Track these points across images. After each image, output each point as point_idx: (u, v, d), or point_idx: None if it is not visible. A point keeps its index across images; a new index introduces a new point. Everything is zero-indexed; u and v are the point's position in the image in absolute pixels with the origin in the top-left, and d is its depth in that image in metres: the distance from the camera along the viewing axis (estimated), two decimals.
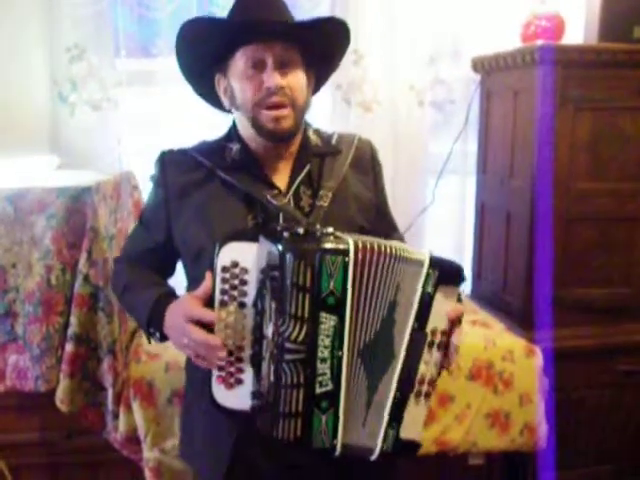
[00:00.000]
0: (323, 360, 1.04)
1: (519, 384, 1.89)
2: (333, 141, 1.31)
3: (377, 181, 1.35)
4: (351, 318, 1.06)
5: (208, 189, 1.23)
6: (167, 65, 2.26)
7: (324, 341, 1.04)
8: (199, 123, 2.30)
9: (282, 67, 1.17)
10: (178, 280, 1.36)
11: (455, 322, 1.16)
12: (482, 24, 2.34)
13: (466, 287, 2.37)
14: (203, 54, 1.21)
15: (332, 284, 1.03)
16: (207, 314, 1.08)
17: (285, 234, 1.04)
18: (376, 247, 1.07)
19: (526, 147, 1.99)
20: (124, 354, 1.77)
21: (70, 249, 1.67)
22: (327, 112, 2.35)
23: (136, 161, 2.27)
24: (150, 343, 1.29)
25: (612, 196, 2.00)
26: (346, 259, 1.04)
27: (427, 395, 1.14)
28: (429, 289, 1.10)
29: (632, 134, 1.98)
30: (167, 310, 1.16)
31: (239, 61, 1.18)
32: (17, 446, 1.76)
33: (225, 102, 1.25)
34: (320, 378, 1.04)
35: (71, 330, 1.66)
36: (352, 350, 1.07)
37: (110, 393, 1.70)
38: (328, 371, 1.05)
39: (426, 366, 1.12)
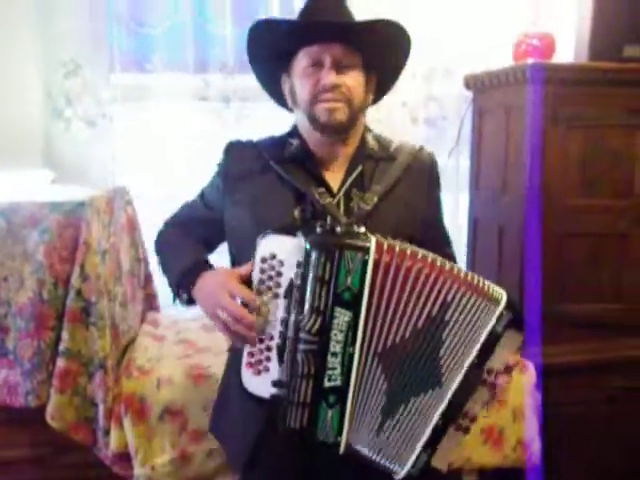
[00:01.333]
0: (334, 354, 1.07)
1: (512, 400, 1.88)
2: (391, 148, 1.34)
3: (431, 193, 1.36)
4: (367, 317, 1.07)
5: (263, 179, 1.28)
6: (162, 81, 2.28)
7: (337, 336, 1.06)
8: (194, 138, 2.33)
9: (340, 67, 1.22)
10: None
11: (510, 369, 1.15)
12: (474, 43, 2.37)
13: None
14: (268, 53, 1.28)
15: (349, 280, 1.06)
16: (245, 291, 1.12)
17: (317, 230, 1.08)
18: (409, 252, 1.08)
19: (518, 164, 2.01)
20: (115, 370, 1.76)
21: (62, 263, 1.66)
22: None
23: (130, 176, 2.28)
24: (174, 303, 1.31)
25: (603, 212, 2.01)
26: (366, 256, 1.06)
27: (465, 430, 1.12)
28: (498, 329, 1.09)
29: (623, 151, 2.00)
30: (202, 276, 1.21)
31: (301, 60, 1.24)
32: (7, 462, 1.74)
33: (288, 100, 1.32)
34: (330, 372, 1.07)
35: (62, 345, 1.65)
36: (367, 350, 1.08)
37: (101, 409, 1.69)
38: (338, 366, 1.07)
39: (474, 403, 1.12)
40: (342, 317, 1.06)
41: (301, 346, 1.07)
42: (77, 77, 2.19)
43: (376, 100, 1.37)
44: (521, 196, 1.98)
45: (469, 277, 1.10)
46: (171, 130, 2.31)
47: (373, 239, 1.08)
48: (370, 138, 1.33)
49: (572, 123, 1.94)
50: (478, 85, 2.25)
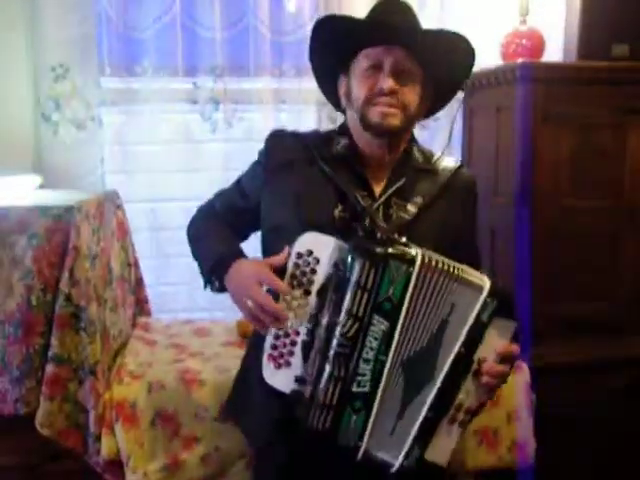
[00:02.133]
0: (366, 361, 1.08)
1: (507, 400, 1.87)
2: (433, 161, 1.34)
3: (467, 210, 1.37)
4: (402, 327, 1.08)
5: (306, 172, 1.28)
6: (151, 84, 2.28)
7: (371, 343, 1.07)
8: (184, 142, 2.32)
9: (398, 75, 1.22)
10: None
11: (506, 359, 1.14)
12: None
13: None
14: (331, 51, 1.28)
15: (391, 290, 1.07)
16: (278, 282, 1.12)
17: (360, 234, 1.11)
18: (441, 265, 1.10)
19: (509, 164, 2.01)
20: (106, 375, 1.74)
21: (51, 269, 1.65)
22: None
23: (120, 180, 2.26)
24: (205, 289, 1.32)
25: (595, 212, 2.02)
26: (410, 269, 1.07)
27: (462, 423, 1.13)
28: (484, 317, 1.10)
29: (613, 151, 2.01)
30: (235, 264, 1.22)
31: (361, 61, 1.25)
32: None
33: (342, 100, 1.32)
34: (359, 378, 1.08)
35: (52, 351, 1.62)
36: (396, 359, 1.10)
37: (92, 415, 1.67)
38: (369, 373, 1.08)
39: (466, 394, 1.12)
40: (379, 325, 1.07)
41: (333, 348, 1.07)
42: (66, 81, 2.17)
43: (429, 115, 1.38)
44: (512, 197, 1.98)
45: (463, 272, 1.12)
46: (161, 133, 2.30)
47: (419, 251, 1.08)
48: (415, 150, 1.34)
49: (562, 122, 1.95)
50: (468, 85, 2.25)
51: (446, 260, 1.11)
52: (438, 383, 1.11)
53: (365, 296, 1.06)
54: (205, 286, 1.31)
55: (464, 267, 1.13)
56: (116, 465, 1.71)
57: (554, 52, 2.16)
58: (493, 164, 2.12)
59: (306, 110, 2.32)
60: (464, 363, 1.11)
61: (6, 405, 1.65)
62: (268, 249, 1.28)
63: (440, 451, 1.13)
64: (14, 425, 1.69)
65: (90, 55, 2.20)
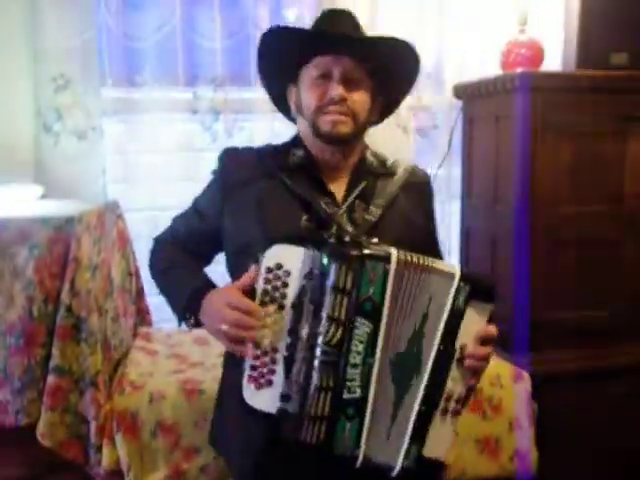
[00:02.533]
0: (354, 366, 1.05)
1: (508, 409, 1.88)
2: (388, 164, 1.36)
3: (427, 207, 1.39)
4: (386, 326, 1.07)
5: (266, 187, 1.27)
6: (152, 94, 2.28)
7: (357, 347, 1.05)
8: (184, 151, 2.33)
9: (347, 83, 1.23)
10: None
11: (486, 342, 1.15)
12: (463, 52, 2.39)
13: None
14: (279, 60, 1.29)
15: (371, 290, 1.05)
16: (248, 303, 1.10)
17: (331, 240, 1.08)
18: (416, 260, 1.10)
19: (509, 172, 2.01)
20: (107, 386, 1.74)
21: (52, 280, 1.65)
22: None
23: (121, 190, 2.27)
24: (179, 326, 1.30)
25: (595, 219, 2.02)
26: (387, 266, 1.06)
27: (455, 413, 1.12)
28: (459, 303, 1.10)
29: (612, 158, 2.01)
30: (206, 297, 1.19)
31: (310, 71, 1.26)
32: None
33: (293, 109, 1.33)
34: (349, 384, 1.05)
35: (53, 362, 1.62)
36: (383, 359, 1.08)
37: (93, 426, 1.67)
38: (358, 378, 1.06)
39: (454, 383, 1.11)
40: (363, 328, 1.05)
41: (319, 358, 1.04)
42: (67, 91, 2.18)
43: (379, 121, 1.39)
44: (512, 204, 1.99)
45: (430, 262, 1.12)
46: (162, 143, 2.31)
47: (393, 249, 1.08)
48: (369, 154, 1.36)
49: (561, 131, 1.95)
50: (467, 94, 2.26)
51: (419, 255, 1.11)
52: (425, 377, 1.10)
53: (345, 299, 1.04)
54: (179, 323, 1.28)
55: (434, 259, 1.14)
56: (117, 476, 1.70)
57: (553, 61, 2.17)
58: (493, 172, 2.13)
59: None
60: (447, 352, 1.10)
61: (7, 416, 1.65)
62: (236, 271, 1.24)
63: (438, 445, 1.11)
64: (15, 436, 1.69)
65: (91, 65, 2.21)
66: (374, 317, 1.06)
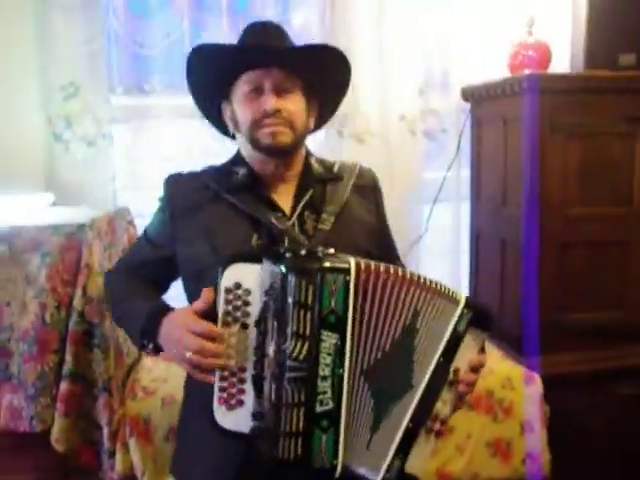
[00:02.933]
0: (324, 378, 1.05)
1: (520, 412, 1.87)
2: (335, 169, 1.35)
3: (379, 207, 1.39)
4: (352, 337, 1.06)
5: (214, 210, 1.26)
6: (161, 101, 2.30)
7: (325, 359, 1.05)
8: (193, 158, 2.34)
9: (280, 92, 1.23)
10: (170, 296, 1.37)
11: (476, 370, 1.15)
12: (470, 54, 2.39)
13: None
14: (209, 79, 1.28)
15: (333, 302, 1.04)
16: (209, 327, 1.08)
17: (288, 255, 1.07)
18: (382, 268, 1.09)
19: (518, 174, 2.01)
20: (120, 391, 1.75)
21: (65, 286, 1.66)
22: (320, 144, 2.37)
23: (131, 197, 2.28)
24: (140, 354, 1.28)
25: (604, 220, 2.01)
26: (347, 277, 1.05)
27: (438, 434, 1.12)
28: (461, 328, 1.11)
29: (621, 160, 2.00)
30: (163, 321, 1.16)
31: (241, 86, 1.25)
32: None
33: (230, 126, 1.31)
34: (321, 396, 1.05)
35: (66, 368, 1.64)
36: (354, 369, 1.07)
37: (106, 431, 1.68)
38: (329, 389, 1.05)
39: (442, 404, 1.12)
40: (329, 340, 1.04)
41: (287, 374, 1.03)
42: (76, 99, 2.20)
43: (318, 127, 1.38)
44: (521, 207, 1.98)
45: (432, 284, 1.12)
46: (171, 150, 2.32)
47: (352, 259, 1.08)
48: (313, 161, 1.35)
49: (570, 132, 1.95)
50: (475, 96, 2.26)
51: (388, 265, 1.10)
52: (419, 394, 1.10)
53: (308, 314, 1.04)
54: (140, 352, 1.27)
55: (413, 271, 1.14)
56: None
57: (561, 63, 2.16)
58: (501, 175, 2.12)
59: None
60: (442, 373, 1.11)
61: (22, 422, 1.66)
62: (193, 295, 1.22)
63: (418, 462, 1.12)
64: (29, 442, 1.70)
65: (100, 73, 2.22)
66: (339, 329, 1.05)
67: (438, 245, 2.46)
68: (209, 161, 2.28)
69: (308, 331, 1.04)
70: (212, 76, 1.26)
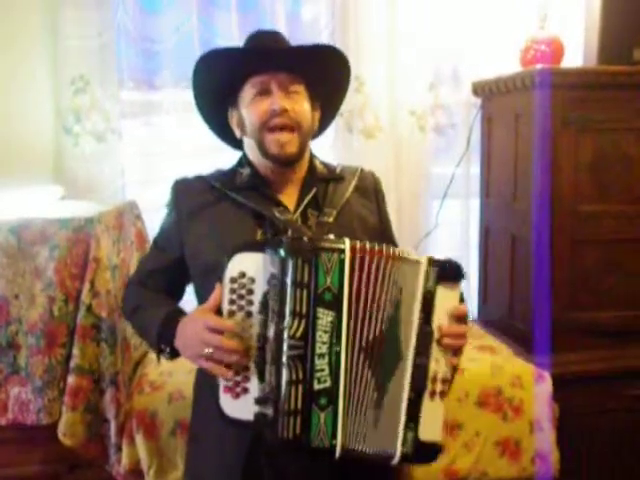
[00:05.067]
0: (321, 356, 1.06)
1: (529, 411, 1.85)
2: (337, 170, 1.38)
3: (380, 208, 1.40)
4: (349, 314, 1.08)
5: (219, 209, 1.28)
6: (170, 96, 2.29)
7: (322, 337, 1.06)
8: (202, 153, 2.33)
9: (287, 95, 1.25)
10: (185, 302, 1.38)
11: (460, 319, 1.16)
12: (481, 49, 2.36)
13: (472, 311, 2.35)
14: (216, 85, 1.29)
15: (329, 280, 1.07)
16: (224, 323, 1.10)
17: (287, 240, 1.09)
18: (376, 247, 1.11)
19: (529, 170, 1.99)
20: (127, 385, 1.75)
21: (73, 280, 1.67)
22: (329, 140, 2.36)
23: (139, 191, 2.28)
24: (159, 362, 1.31)
25: (617, 217, 1.99)
26: (342, 256, 1.08)
27: (442, 394, 1.14)
28: (430, 285, 1.13)
29: (635, 155, 1.98)
30: (179, 325, 1.18)
31: (248, 91, 1.27)
32: None
33: (236, 132, 1.32)
34: (318, 374, 1.06)
35: (73, 362, 1.64)
36: (352, 347, 1.08)
37: (113, 425, 1.68)
38: (326, 367, 1.06)
39: (437, 364, 1.13)
40: (325, 318, 1.06)
41: (286, 353, 1.05)
42: (86, 94, 2.20)
43: (319, 131, 1.39)
44: (531, 203, 1.96)
45: (397, 252, 1.14)
46: (180, 145, 2.32)
47: (347, 239, 1.10)
48: (317, 163, 1.37)
49: (582, 128, 1.92)
50: (486, 91, 2.24)
51: (380, 244, 1.13)
52: (409, 361, 1.11)
53: (305, 292, 1.05)
54: (158, 357, 1.28)
55: (400, 248, 1.17)
56: (137, 475, 1.72)
57: (574, 57, 2.14)
58: (512, 170, 2.10)
59: None
60: (425, 333, 1.12)
61: (29, 415, 1.67)
62: (202, 294, 1.24)
63: (431, 427, 1.12)
64: (37, 435, 1.71)
65: (109, 67, 2.23)
66: (335, 306, 1.07)
67: (447, 240, 2.44)
68: (218, 156, 2.31)
69: (304, 309, 1.05)
70: (219, 82, 1.28)
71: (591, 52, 2.05)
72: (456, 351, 1.17)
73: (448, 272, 1.15)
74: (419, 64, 2.33)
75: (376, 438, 1.10)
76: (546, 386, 1.87)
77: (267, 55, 1.25)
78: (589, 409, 1.98)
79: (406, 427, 1.10)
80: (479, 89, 2.28)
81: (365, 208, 1.35)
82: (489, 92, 2.22)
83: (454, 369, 1.17)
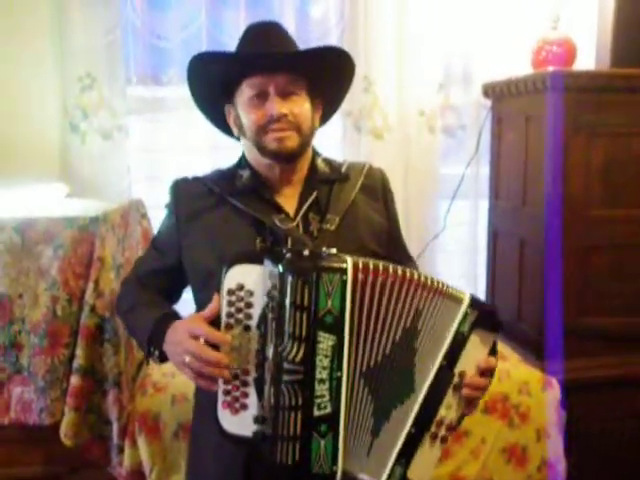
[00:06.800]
0: (321, 381, 1.02)
1: (536, 418, 1.83)
2: (343, 169, 1.32)
3: (388, 208, 1.35)
4: (351, 338, 1.04)
5: (218, 214, 1.25)
6: (178, 93, 2.28)
7: (322, 361, 1.02)
8: (209, 151, 2.32)
9: (285, 95, 1.20)
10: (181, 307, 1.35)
11: (485, 373, 1.12)
12: (492, 50, 2.34)
13: None
14: (211, 86, 1.26)
15: (330, 303, 1.02)
16: (213, 332, 1.06)
17: (287, 255, 1.04)
18: (381, 268, 1.06)
19: (539, 173, 1.96)
20: (130, 387, 1.74)
21: (77, 279, 1.65)
22: (338, 140, 2.34)
23: (146, 189, 2.27)
24: (148, 364, 1.27)
25: (629, 222, 1.96)
26: (344, 277, 1.03)
27: (443, 440, 1.09)
28: (464, 329, 1.08)
29: None
30: (169, 328, 1.15)
31: (245, 92, 1.22)
32: None
33: (234, 130, 1.29)
34: (318, 400, 1.02)
35: (76, 362, 1.63)
36: (353, 372, 1.05)
37: (115, 427, 1.67)
38: (327, 393, 1.02)
39: (447, 410, 1.08)
40: (326, 342, 1.02)
41: (285, 377, 1.01)
42: (93, 91, 2.19)
43: (320, 125, 1.35)
44: (542, 207, 1.93)
45: (434, 282, 1.09)
46: (187, 142, 2.30)
47: (349, 259, 1.05)
48: (320, 162, 1.32)
49: (594, 131, 1.90)
50: (497, 93, 2.21)
51: (389, 264, 1.07)
52: (420, 397, 1.07)
53: (304, 315, 1.01)
54: (147, 360, 1.26)
55: (413, 270, 1.11)
56: (139, 476, 1.71)
57: (586, 60, 2.11)
58: (522, 174, 2.08)
59: (331, 120, 2.30)
60: (445, 376, 1.07)
61: (31, 415, 1.66)
62: (201, 302, 1.21)
63: (422, 469, 1.08)
64: (38, 435, 1.70)
65: (117, 64, 2.21)
66: (336, 330, 1.02)
67: (455, 242, 2.42)
68: (224, 153, 2.30)
69: (304, 332, 1.01)
70: (214, 82, 1.24)
71: (604, 54, 2.02)
72: (470, 403, 1.12)
73: (488, 320, 1.10)
74: (429, 64, 2.30)
75: (367, 464, 1.07)
76: (554, 393, 1.85)
77: (267, 57, 1.19)
78: (600, 415, 1.96)
79: (397, 461, 1.06)
80: (489, 90, 2.25)
81: (372, 209, 1.30)
82: (500, 93, 2.19)
83: (463, 418, 1.13)
